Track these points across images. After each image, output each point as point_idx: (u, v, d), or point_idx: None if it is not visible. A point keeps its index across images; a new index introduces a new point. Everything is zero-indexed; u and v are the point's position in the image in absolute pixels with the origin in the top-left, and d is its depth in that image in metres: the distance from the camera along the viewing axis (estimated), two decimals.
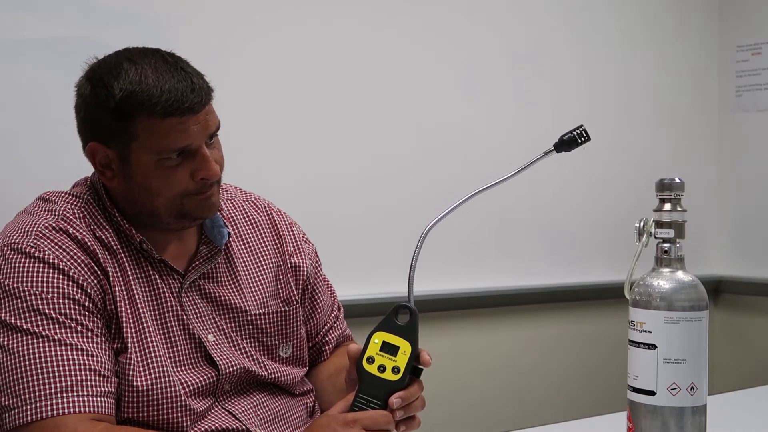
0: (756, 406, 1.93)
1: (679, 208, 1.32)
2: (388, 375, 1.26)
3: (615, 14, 3.04)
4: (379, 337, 1.28)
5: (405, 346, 1.27)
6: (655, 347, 1.28)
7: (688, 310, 1.28)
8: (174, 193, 1.43)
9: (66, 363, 1.33)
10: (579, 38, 2.94)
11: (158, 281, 1.47)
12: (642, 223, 1.33)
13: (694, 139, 3.25)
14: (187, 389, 1.44)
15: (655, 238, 1.33)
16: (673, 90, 3.18)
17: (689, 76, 3.23)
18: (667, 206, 1.32)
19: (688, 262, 1.33)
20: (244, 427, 1.49)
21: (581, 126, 1.38)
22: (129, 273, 1.44)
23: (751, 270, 3.22)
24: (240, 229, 1.61)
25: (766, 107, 3.17)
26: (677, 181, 1.32)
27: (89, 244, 1.42)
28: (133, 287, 1.43)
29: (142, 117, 1.38)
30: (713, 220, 3.29)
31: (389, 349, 1.27)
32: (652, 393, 1.28)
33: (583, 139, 1.37)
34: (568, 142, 1.37)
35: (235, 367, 1.50)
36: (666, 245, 1.32)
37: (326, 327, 1.71)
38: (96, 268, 1.41)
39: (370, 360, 1.27)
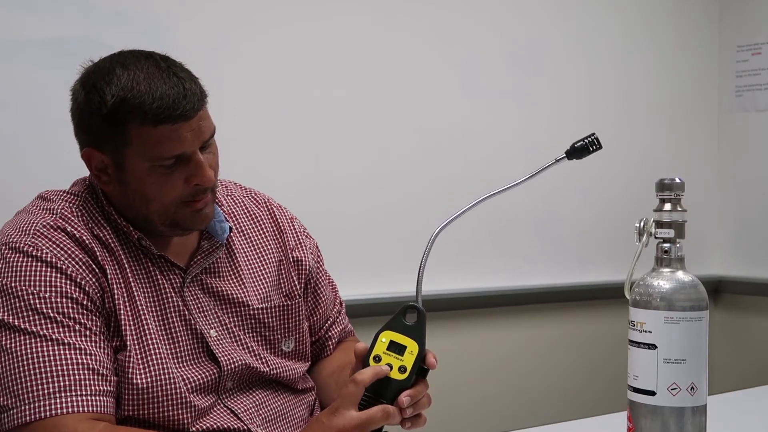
0: (756, 406, 1.93)
1: (679, 208, 1.32)
2: (395, 374, 1.27)
3: (615, 14, 3.04)
4: (386, 336, 1.28)
5: (412, 346, 1.28)
6: (655, 347, 1.28)
7: (688, 310, 1.28)
8: (169, 199, 1.42)
9: (64, 362, 1.33)
10: (579, 38, 2.95)
11: (159, 277, 1.47)
12: (642, 223, 1.33)
13: (694, 139, 3.25)
14: (188, 385, 1.44)
15: (655, 238, 1.33)
16: (673, 90, 3.18)
17: (689, 76, 3.23)
18: (667, 206, 1.32)
19: (688, 262, 1.33)
20: (245, 426, 1.49)
21: (593, 134, 1.39)
22: (128, 271, 1.44)
23: (751, 270, 3.22)
24: (241, 224, 1.61)
25: (766, 107, 3.17)
26: (677, 181, 1.32)
27: (87, 242, 1.42)
28: (132, 285, 1.43)
29: (135, 124, 1.37)
30: (713, 220, 3.29)
31: (396, 348, 1.28)
32: (652, 393, 1.28)
33: (594, 147, 1.39)
34: (579, 150, 1.39)
35: (236, 363, 1.50)
36: (666, 245, 1.32)
37: (329, 322, 1.71)
38: (94, 266, 1.41)
39: (377, 358, 1.28)
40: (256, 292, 1.57)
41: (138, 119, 1.36)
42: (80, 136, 1.46)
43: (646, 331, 1.29)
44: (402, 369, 1.27)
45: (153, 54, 1.44)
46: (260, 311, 1.57)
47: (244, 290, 1.56)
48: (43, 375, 1.32)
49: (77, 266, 1.39)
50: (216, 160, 1.47)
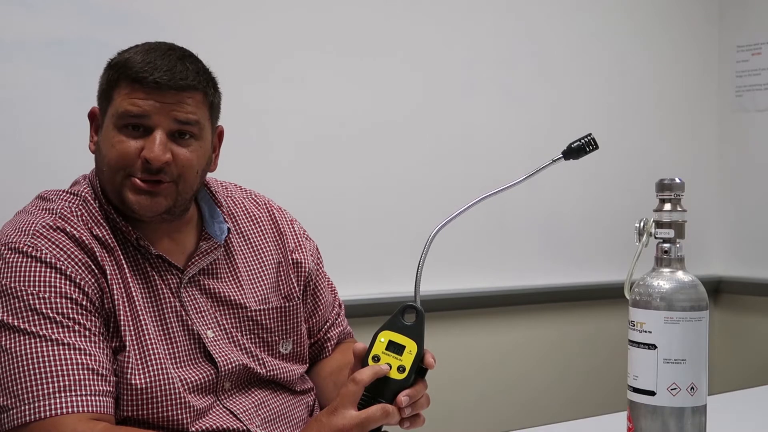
0: (756, 406, 1.92)
1: (679, 208, 1.32)
2: (394, 374, 1.27)
3: (615, 14, 3.04)
4: (385, 336, 1.28)
5: (411, 346, 1.28)
6: (655, 347, 1.28)
7: (688, 310, 1.28)
8: (119, 165, 1.42)
9: (64, 362, 1.33)
10: (579, 38, 2.94)
11: (156, 278, 1.47)
12: (642, 223, 1.33)
13: (694, 139, 3.25)
14: (186, 386, 1.44)
15: (655, 238, 1.33)
16: (673, 90, 3.18)
17: (689, 76, 3.23)
18: (667, 206, 1.32)
19: (688, 262, 1.33)
20: (244, 427, 1.49)
21: (590, 134, 1.39)
22: (126, 271, 1.44)
23: (751, 270, 3.22)
24: (240, 226, 1.61)
25: (766, 107, 3.17)
26: (677, 181, 1.32)
27: (87, 242, 1.42)
28: (131, 285, 1.43)
29: (121, 82, 1.43)
30: (713, 220, 3.29)
31: (395, 348, 1.28)
32: (652, 393, 1.28)
33: (591, 147, 1.39)
34: (576, 150, 1.39)
35: (233, 364, 1.50)
36: (666, 245, 1.32)
37: (328, 324, 1.71)
38: (93, 266, 1.41)
39: (376, 358, 1.28)
40: (254, 294, 1.57)
41: (124, 79, 1.42)
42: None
43: (646, 331, 1.29)
44: (401, 369, 1.27)
45: (183, 48, 1.49)
46: (258, 313, 1.56)
47: (242, 291, 1.56)
48: (43, 375, 1.32)
49: (77, 267, 1.39)
50: (189, 157, 1.45)
